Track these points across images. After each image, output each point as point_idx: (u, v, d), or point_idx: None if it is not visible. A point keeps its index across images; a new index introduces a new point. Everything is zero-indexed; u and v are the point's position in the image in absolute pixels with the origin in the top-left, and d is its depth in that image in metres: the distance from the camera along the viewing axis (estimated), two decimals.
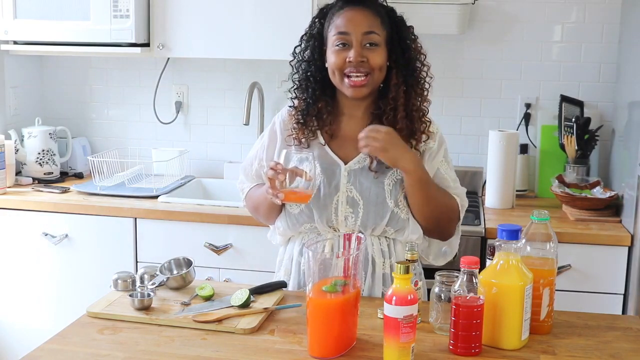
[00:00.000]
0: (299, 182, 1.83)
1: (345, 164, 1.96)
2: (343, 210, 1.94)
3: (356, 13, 1.91)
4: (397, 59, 1.94)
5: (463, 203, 2.01)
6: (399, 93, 1.93)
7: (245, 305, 1.80)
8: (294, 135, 2.00)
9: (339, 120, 2.01)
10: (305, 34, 2.02)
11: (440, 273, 1.72)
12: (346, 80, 1.91)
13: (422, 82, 1.97)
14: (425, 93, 1.98)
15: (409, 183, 1.89)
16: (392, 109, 1.93)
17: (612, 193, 2.86)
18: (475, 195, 3.13)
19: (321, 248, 1.71)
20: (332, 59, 1.92)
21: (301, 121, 1.99)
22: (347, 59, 1.89)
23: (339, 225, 1.95)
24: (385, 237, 1.98)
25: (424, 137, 1.96)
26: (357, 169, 1.95)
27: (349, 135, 1.98)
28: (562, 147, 3.10)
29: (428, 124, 1.97)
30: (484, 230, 2.72)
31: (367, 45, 1.90)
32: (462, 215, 2.02)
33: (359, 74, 1.89)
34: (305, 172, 1.82)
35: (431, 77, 1.99)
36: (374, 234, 1.96)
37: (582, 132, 3.05)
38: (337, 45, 1.91)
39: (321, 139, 2.00)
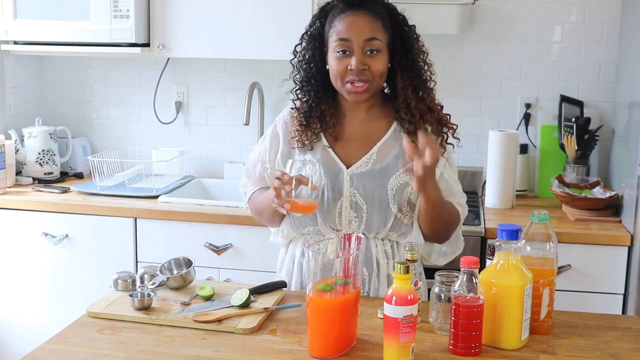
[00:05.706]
0: (303, 190, 1.81)
1: (348, 167, 1.94)
2: (347, 215, 1.93)
3: (357, 18, 1.87)
4: (400, 61, 1.91)
5: (464, 212, 2.02)
6: (409, 95, 1.91)
7: (245, 305, 1.80)
8: (297, 138, 1.98)
9: (341, 122, 1.98)
10: (306, 33, 1.99)
11: (440, 273, 1.73)
12: (347, 85, 1.88)
13: (429, 81, 1.96)
14: (432, 92, 1.97)
15: (424, 207, 1.88)
16: (406, 113, 1.92)
17: (612, 193, 2.86)
18: (475, 195, 3.13)
19: (324, 248, 1.70)
20: (333, 65, 1.90)
21: (304, 123, 1.97)
22: (349, 67, 1.86)
23: (343, 229, 1.93)
24: (389, 239, 1.97)
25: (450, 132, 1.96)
26: (360, 172, 1.93)
27: (352, 137, 1.97)
28: (562, 147, 3.10)
29: (449, 118, 1.97)
30: (484, 230, 2.72)
31: (368, 52, 1.87)
32: (461, 223, 2.02)
33: (360, 82, 1.87)
34: (311, 182, 1.78)
35: (434, 74, 1.97)
36: (378, 237, 1.96)
37: (582, 132, 3.05)
38: (338, 52, 1.88)
39: (325, 141, 1.98)
